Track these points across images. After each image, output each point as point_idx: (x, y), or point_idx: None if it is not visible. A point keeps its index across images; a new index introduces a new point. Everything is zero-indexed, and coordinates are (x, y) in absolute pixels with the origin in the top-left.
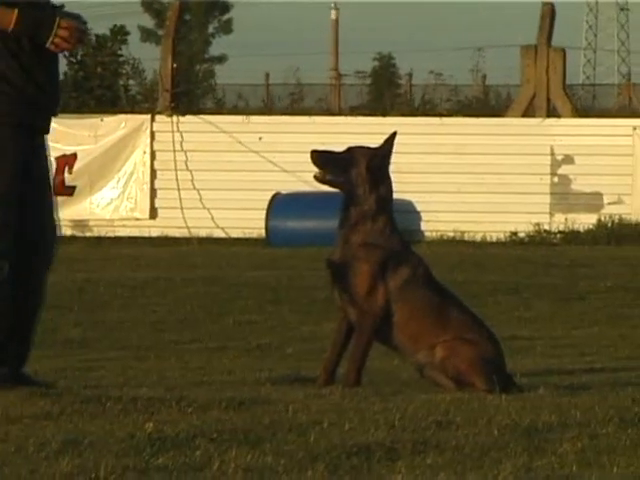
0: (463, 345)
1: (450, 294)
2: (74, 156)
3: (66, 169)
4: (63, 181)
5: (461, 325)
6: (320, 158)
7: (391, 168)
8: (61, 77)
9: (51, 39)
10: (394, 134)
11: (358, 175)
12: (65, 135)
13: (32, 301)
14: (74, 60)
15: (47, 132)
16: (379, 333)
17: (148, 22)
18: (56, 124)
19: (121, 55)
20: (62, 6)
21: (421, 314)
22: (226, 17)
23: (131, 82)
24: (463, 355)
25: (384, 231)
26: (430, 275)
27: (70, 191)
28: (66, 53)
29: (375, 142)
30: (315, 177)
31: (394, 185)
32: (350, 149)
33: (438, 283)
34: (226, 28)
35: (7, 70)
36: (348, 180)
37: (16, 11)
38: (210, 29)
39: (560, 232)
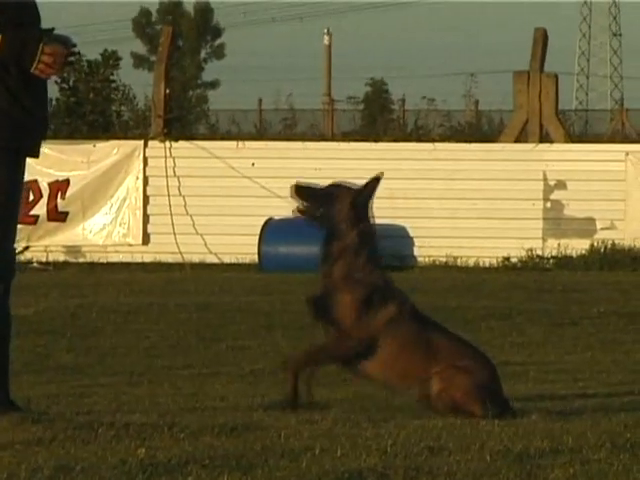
0: (457, 374)
1: (438, 326)
2: (67, 182)
3: (59, 195)
4: (56, 207)
5: (452, 353)
6: (303, 191)
7: (384, 193)
8: (53, 102)
9: (35, 64)
10: (378, 178)
11: (340, 211)
12: (58, 161)
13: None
14: (66, 86)
15: (36, 156)
16: (367, 369)
17: (140, 48)
18: (49, 150)
19: (113, 81)
20: (51, 30)
21: (409, 349)
22: (218, 42)
23: (123, 108)
24: (458, 384)
25: (366, 267)
26: (415, 310)
27: (63, 217)
28: (55, 78)
29: (368, 167)
30: (298, 210)
31: (387, 211)
32: (333, 185)
33: (424, 316)
34: (218, 53)
35: (0, 100)
36: (330, 215)
37: (0, 37)
38: (202, 54)
39: (553, 257)
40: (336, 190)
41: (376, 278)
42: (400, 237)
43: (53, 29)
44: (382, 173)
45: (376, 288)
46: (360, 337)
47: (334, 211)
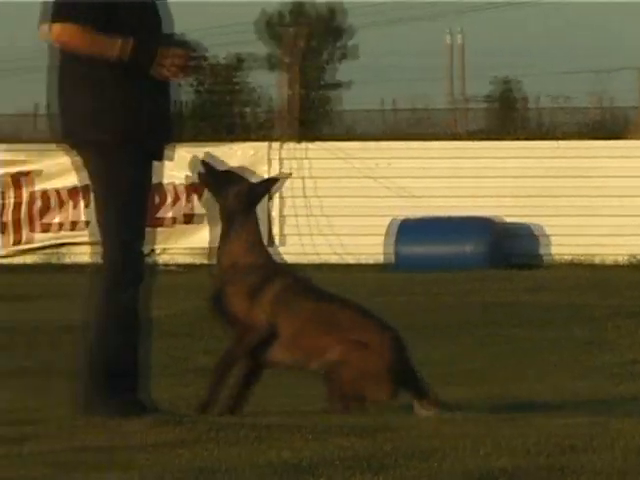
0: (353, 352)
1: (334, 298)
2: None
3: (195, 197)
4: (192, 209)
5: (352, 326)
6: (207, 164)
7: (513, 192)
8: (188, 105)
9: (153, 67)
10: (278, 179)
11: (227, 197)
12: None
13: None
14: (200, 89)
15: (160, 159)
16: (264, 355)
17: (272, 49)
18: (184, 152)
19: (248, 82)
20: (173, 35)
21: (305, 325)
22: (351, 43)
23: (257, 110)
24: (351, 365)
25: (248, 251)
26: (306, 284)
27: (200, 219)
28: (184, 81)
29: (497, 166)
30: (198, 174)
31: (516, 209)
32: (231, 171)
33: (317, 289)
34: (351, 53)
35: (120, 95)
36: (220, 196)
37: (119, 40)
38: (334, 55)
39: None
40: (231, 176)
41: (259, 260)
42: (527, 236)
43: (173, 34)
44: (289, 174)
45: (258, 270)
46: (258, 325)
47: (224, 194)
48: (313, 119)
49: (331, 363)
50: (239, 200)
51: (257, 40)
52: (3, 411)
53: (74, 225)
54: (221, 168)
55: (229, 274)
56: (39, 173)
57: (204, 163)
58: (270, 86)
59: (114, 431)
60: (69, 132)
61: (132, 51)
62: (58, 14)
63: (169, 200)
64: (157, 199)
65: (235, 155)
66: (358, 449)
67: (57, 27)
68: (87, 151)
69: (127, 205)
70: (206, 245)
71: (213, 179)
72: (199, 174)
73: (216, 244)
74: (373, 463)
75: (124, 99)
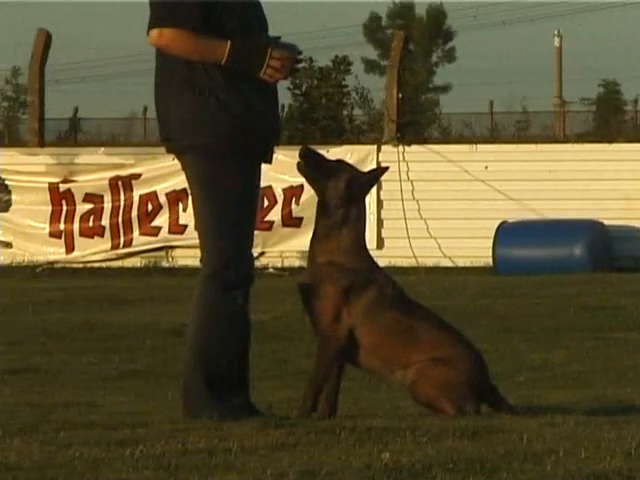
0: (434, 368)
1: (425, 312)
2: (301, 187)
3: (293, 200)
4: (290, 212)
5: (434, 342)
6: (309, 153)
7: (619, 195)
8: (286, 109)
9: (263, 70)
10: (386, 168)
11: (336, 185)
12: (292, 167)
13: (246, 324)
14: (299, 92)
15: (269, 162)
16: (349, 357)
17: (371, 53)
18: (283, 156)
19: (345, 85)
20: (278, 38)
21: (390, 336)
22: (449, 45)
23: (356, 112)
24: (432, 379)
25: (350, 250)
26: (400, 295)
27: (297, 222)
28: (287, 84)
29: (602, 169)
30: (297, 165)
31: (622, 212)
32: (340, 160)
33: (409, 301)
34: (450, 56)
35: (226, 99)
36: (324, 185)
37: (229, 43)
38: (434, 58)
39: None
40: (341, 164)
41: (359, 263)
42: (636, 238)
43: (279, 37)
44: (388, 167)
45: (357, 274)
46: (341, 333)
47: (331, 183)
48: (417, 122)
49: (414, 379)
50: (343, 190)
51: (366, 43)
52: (112, 414)
53: (174, 229)
54: (326, 157)
55: (323, 273)
56: (138, 177)
57: (308, 150)
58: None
59: (215, 434)
60: (169, 136)
61: (239, 54)
62: (156, 19)
63: (266, 203)
64: (266, 202)
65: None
66: (471, 452)
67: (155, 32)
68: (189, 155)
69: (234, 209)
70: (304, 248)
71: (316, 166)
72: (300, 163)
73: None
74: (486, 466)
75: (228, 102)
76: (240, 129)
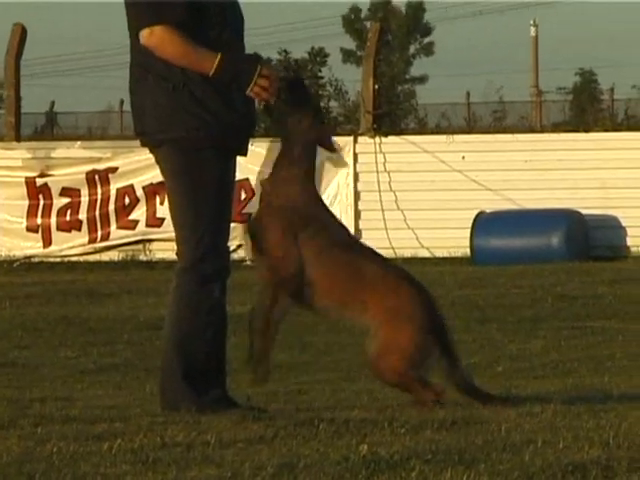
0: (398, 331)
1: (375, 255)
2: None
3: None
4: None
5: (386, 286)
6: (293, 86)
7: (595, 184)
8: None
9: (250, 87)
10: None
11: (301, 120)
12: (270, 159)
13: (222, 316)
14: None
15: (244, 154)
16: (302, 298)
17: (349, 43)
18: (260, 148)
19: (321, 77)
20: (269, 60)
21: (341, 276)
22: (427, 40)
23: (332, 104)
24: (392, 355)
25: (302, 191)
26: (350, 236)
27: None
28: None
29: (578, 158)
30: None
31: (599, 201)
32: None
33: (360, 245)
34: (427, 50)
35: (201, 93)
36: (287, 122)
37: (219, 56)
38: (411, 50)
39: None
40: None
41: (310, 203)
42: (613, 227)
43: (269, 59)
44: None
45: (308, 214)
46: (289, 268)
47: (290, 121)
48: (393, 113)
49: (374, 354)
50: (306, 128)
51: (344, 34)
52: (90, 408)
53: (152, 222)
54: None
55: (274, 210)
56: (115, 170)
57: (292, 84)
58: (352, 81)
59: (193, 428)
60: (144, 130)
61: (228, 68)
62: (144, 18)
63: (243, 196)
64: (243, 194)
65: None
66: (449, 443)
67: (146, 32)
68: (164, 149)
69: (209, 202)
70: None
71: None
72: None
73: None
74: (465, 457)
75: (202, 97)
76: (214, 123)
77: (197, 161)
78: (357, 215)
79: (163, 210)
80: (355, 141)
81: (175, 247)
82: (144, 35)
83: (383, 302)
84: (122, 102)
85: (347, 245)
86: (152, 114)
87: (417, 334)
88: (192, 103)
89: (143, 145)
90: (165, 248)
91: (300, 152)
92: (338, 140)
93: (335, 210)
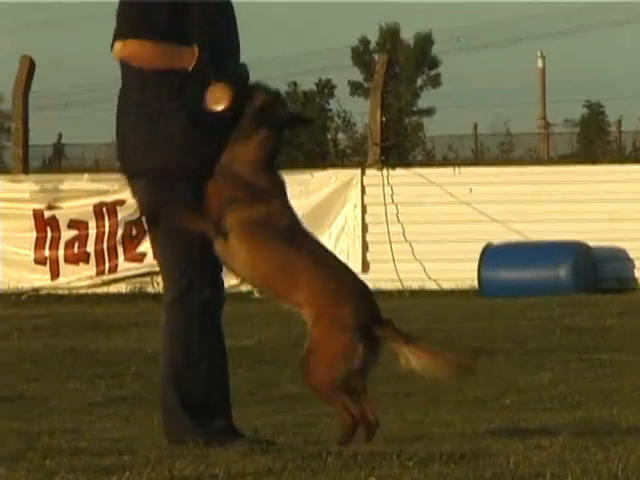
0: (321, 343)
1: (316, 249)
2: None
3: None
4: None
5: (318, 286)
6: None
7: (603, 216)
8: None
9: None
10: (308, 120)
11: (252, 103)
12: None
13: (219, 347)
14: None
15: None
16: (234, 267)
17: (357, 76)
18: None
19: (329, 110)
20: (243, 65)
21: (270, 265)
22: (434, 72)
23: (340, 136)
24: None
25: (255, 167)
26: (292, 226)
27: None
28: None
29: (586, 190)
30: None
31: (607, 233)
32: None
33: (303, 236)
34: (435, 82)
35: (177, 124)
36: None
37: (195, 48)
38: (419, 82)
39: None
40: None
41: (258, 180)
42: (620, 259)
43: (243, 66)
44: (311, 120)
45: (250, 189)
46: (218, 227)
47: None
48: (401, 145)
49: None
50: (257, 109)
51: (353, 66)
52: (99, 440)
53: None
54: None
55: (220, 173)
56: (122, 203)
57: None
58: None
59: (202, 461)
60: (124, 160)
61: (206, 59)
62: (119, 32)
63: None
64: None
65: (317, 183)
66: (458, 476)
67: (119, 45)
68: (141, 179)
69: (187, 235)
70: None
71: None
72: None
73: None
74: None
75: (178, 127)
76: (190, 154)
77: (173, 192)
78: (365, 247)
79: None
80: (363, 173)
81: None
82: (117, 49)
83: (317, 297)
84: None
85: (285, 230)
86: (131, 144)
87: (349, 340)
88: (168, 134)
89: (122, 173)
90: None
91: (251, 124)
92: (346, 173)
93: (343, 242)
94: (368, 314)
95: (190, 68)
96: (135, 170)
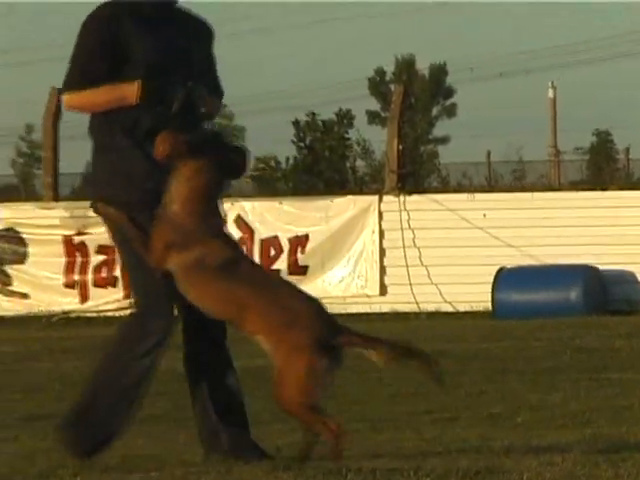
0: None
1: (260, 279)
2: (306, 237)
3: (299, 249)
4: (296, 261)
5: (271, 303)
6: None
7: (613, 240)
8: (291, 161)
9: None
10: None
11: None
12: (297, 217)
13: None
14: (303, 144)
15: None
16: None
17: (374, 105)
18: (288, 206)
19: (348, 138)
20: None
21: (216, 303)
22: (450, 102)
23: (358, 163)
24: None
25: (185, 207)
26: (233, 260)
27: (303, 270)
28: (292, 138)
29: (596, 215)
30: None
31: (617, 257)
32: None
33: (246, 269)
34: (449, 111)
35: (134, 166)
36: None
37: (138, 82)
38: (434, 112)
39: None
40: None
41: (190, 222)
42: (630, 282)
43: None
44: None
45: (182, 231)
46: (155, 260)
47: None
48: (417, 172)
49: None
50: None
51: (370, 96)
52: (130, 457)
53: None
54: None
55: (160, 217)
56: None
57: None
58: (377, 141)
59: (225, 478)
60: (91, 192)
61: (150, 89)
62: (63, 85)
63: (272, 252)
64: (272, 251)
65: (335, 209)
66: None
67: (63, 98)
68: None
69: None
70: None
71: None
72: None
73: None
74: None
75: (134, 164)
76: (148, 191)
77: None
78: (383, 271)
79: None
80: (380, 200)
81: None
82: (63, 103)
83: (268, 325)
84: None
85: (223, 266)
86: (94, 177)
87: (311, 360)
88: (126, 172)
89: (91, 206)
90: None
91: (181, 164)
92: (364, 199)
93: (362, 266)
94: (323, 328)
95: (135, 101)
96: (102, 199)
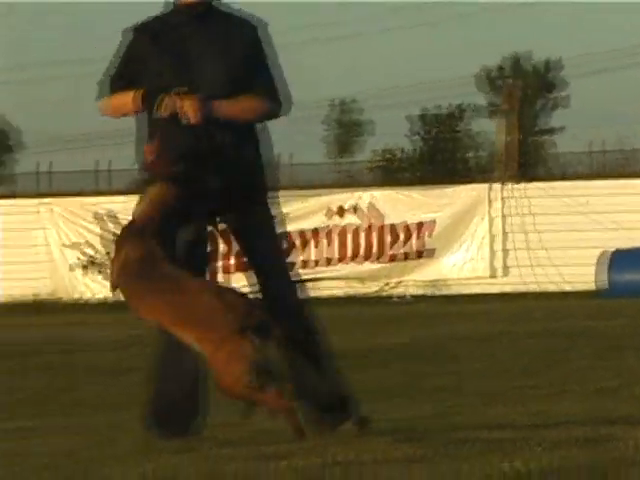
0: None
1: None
2: (433, 222)
3: (426, 234)
4: (423, 245)
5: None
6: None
7: None
8: (416, 152)
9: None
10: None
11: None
12: (424, 203)
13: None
14: (426, 137)
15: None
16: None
17: (493, 99)
18: (415, 194)
19: (469, 130)
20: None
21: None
22: (564, 94)
23: (478, 154)
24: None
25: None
26: (150, 259)
27: (428, 253)
28: (419, 131)
29: None
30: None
31: None
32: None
33: (169, 269)
34: (563, 103)
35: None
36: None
37: (136, 92)
38: (549, 104)
39: None
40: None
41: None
42: None
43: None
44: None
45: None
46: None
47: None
48: (530, 162)
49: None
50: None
51: (477, 92)
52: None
53: (318, 262)
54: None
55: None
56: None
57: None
58: (489, 133)
59: (350, 447)
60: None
61: (150, 99)
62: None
63: (402, 237)
64: (402, 236)
65: (458, 196)
66: (584, 459)
67: (98, 105)
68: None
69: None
70: (432, 278)
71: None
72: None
73: None
74: (595, 473)
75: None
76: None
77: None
78: (505, 254)
79: (315, 253)
80: (502, 187)
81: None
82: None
83: (200, 333)
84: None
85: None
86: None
87: (240, 341)
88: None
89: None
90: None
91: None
92: (484, 187)
93: (483, 250)
94: (247, 319)
95: (135, 112)
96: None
